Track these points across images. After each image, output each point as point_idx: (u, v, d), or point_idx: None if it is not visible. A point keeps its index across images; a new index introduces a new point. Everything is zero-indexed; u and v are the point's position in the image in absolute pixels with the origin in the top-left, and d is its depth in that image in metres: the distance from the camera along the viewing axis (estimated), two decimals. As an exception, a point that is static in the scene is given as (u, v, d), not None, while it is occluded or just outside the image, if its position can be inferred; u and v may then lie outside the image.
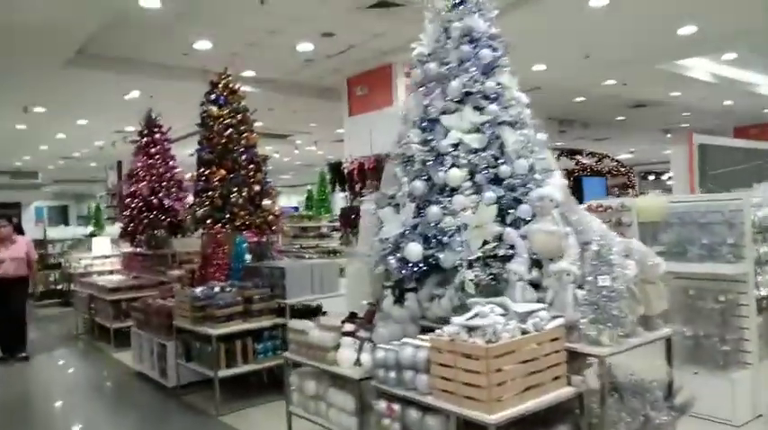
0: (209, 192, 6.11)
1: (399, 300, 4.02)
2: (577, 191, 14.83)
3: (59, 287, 13.37)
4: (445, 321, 3.59)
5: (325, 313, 5.71)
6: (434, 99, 3.73)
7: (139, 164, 8.42)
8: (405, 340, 3.12)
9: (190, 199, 9.72)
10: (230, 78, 6.42)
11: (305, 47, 9.35)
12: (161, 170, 8.44)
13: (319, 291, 5.45)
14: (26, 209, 31.16)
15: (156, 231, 8.29)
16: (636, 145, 23.33)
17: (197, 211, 6.18)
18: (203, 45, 8.96)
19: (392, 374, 3.05)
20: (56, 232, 14.23)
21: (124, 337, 7.54)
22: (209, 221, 6.06)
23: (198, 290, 5.34)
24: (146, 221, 8.18)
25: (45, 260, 13.69)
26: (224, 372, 5.00)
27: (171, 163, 8.59)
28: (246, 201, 6.16)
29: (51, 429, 5.29)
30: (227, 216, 6.08)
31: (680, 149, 8.51)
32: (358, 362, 3.32)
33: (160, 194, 8.28)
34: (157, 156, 8.47)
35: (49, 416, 5.57)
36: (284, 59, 10.04)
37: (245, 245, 5.93)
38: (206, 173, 6.18)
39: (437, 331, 3.01)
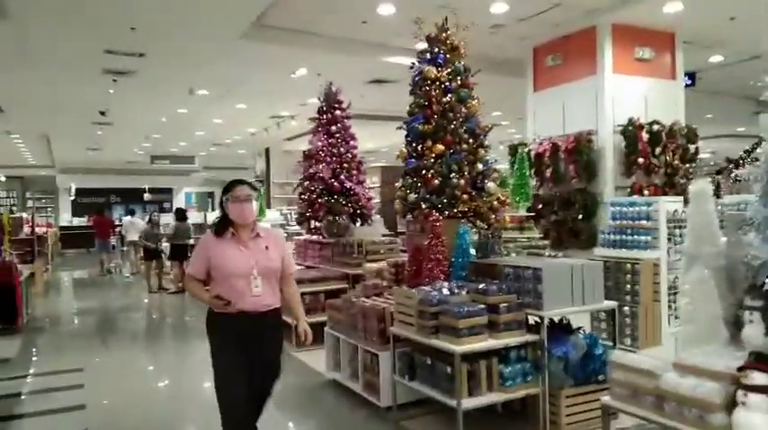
0: (424, 172, 5.01)
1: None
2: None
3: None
4: None
5: (580, 329, 4.46)
6: None
7: (320, 143, 7.58)
8: None
9: (368, 182, 8.89)
10: (451, 32, 5.24)
11: (499, 7, 8.08)
12: (342, 150, 7.55)
13: (580, 301, 4.16)
14: (177, 194, 32.84)
15: (336, 218, 7.42)
16: None
17: (408, 194, 5.11)
18: (387, 9, 8.00)
19: None
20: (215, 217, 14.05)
21: (305, 335, 6.74)
22: (424, 206, 4.97)
23: (427, 291, 4.27)
24: (326, 206, 7.33)
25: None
26: (468, 402, 3.87)
27: (351, 142, 7.67)
28: (468, 183, 5.00)
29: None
30: (445, 201, 4.96)
31: None
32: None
33: (341, 177, 7.40)
34: (338, 135, 7.59)
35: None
36: (470, 26, 8.87)
37: (469, 236, 4.77)
38: (419, 148, 5.09)
39: None
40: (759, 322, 2.71)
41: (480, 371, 3.96)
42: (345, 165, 7.56)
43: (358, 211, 7.57)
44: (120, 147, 20.74)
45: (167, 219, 14.91)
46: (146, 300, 11.65)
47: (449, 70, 5.10)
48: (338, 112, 7.70)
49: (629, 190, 8.19)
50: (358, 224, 7.68)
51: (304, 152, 8.01)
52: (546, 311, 4.00)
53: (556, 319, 4.44)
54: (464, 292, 4.27)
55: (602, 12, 8.31)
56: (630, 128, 8.26)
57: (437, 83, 5.06)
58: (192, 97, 12.68)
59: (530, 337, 4.05)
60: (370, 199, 7.81)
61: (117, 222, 21.12)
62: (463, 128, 5.05)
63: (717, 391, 2.26)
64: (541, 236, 7.32)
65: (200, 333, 8.81)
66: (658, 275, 5.58)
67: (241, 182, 3.51)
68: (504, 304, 4.03)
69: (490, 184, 5.08)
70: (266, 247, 3.45)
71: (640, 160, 8.14)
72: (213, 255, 3.37)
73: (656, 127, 8.30)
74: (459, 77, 5.14)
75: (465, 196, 4.94)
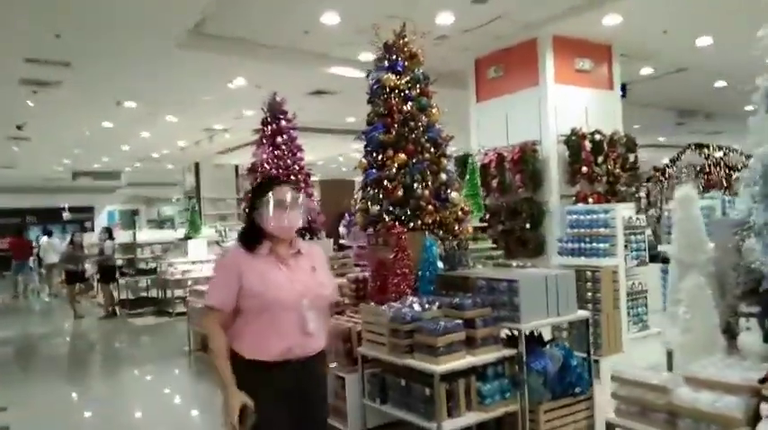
0: (386, 183, 4.81)
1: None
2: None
3: (152, 294, 12.48)
4: None
5: (554, 340, 4.36)
6: None
7: (264, 155, 7.24)
8: None
9: (316, 195, 8.59)
10: (408, 39, 5.09)
11: (446, 18, 8.04)
12: (288, 162, 7.24)
13: (554, 312, 4.06)
14: (99, 213, 31.18)
15: (286, 233, 7.08)
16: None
17: (369, 207, 4.89)
18: (331, 19, 7.79)
19: None
20: (146, 235, 13.38)
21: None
22: (387, 219, 4.76)
23: (398, 307, 4.05)
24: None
25: (135, 265, 12.86)
26: (448, 424, 3.67)
27: (299, 154, 7.38)
28: (432, 194, 4.84)
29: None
30: (408, 212, 4.78)
31: None
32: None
33: (289, 190, 7.08)
34: (284, 147, 7.28)
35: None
36: (417, 37, 8.79)
37: (435, 248, 4.60)
38: (380, 158, 4.89)
39: None
40: (756, 329, 2.67)
41: (459, 391, 3.76)
42: (293, 178, 7.24)
43: (307, 226, 7.26)
44: (38, 164, 19.41)
45: (91, 239, 14.05)
46: (70, 327, 10.82)
47: (408, 78, 4.94)
48: (284, 123, 7.39)
49: (573, 198, 8.32)
50: (307, 239, 7.36)
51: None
52: (524, 324, 3.87)
53: (528, 332, 4.33)
54: (435, 307, 4.09)
55: (543, 24, 8.43)
56: (574, 137, 8.39)
57: (396, 91, 4.89)
58: (119, 110, 12.00)
59: (508, 352, 3.91)
60: (319, 213, 7.53)
61: (34, 244, 19.86)
62: (425, 137, 4.90)
63: (738, 405, 2.16)
64: (493, 246, 7.26)
65: (134, 361, 8.24)
66: (617, 282, 5.61)
67: (279, 181, 2.76)
68: (481, 318, 3.87)
69: (454, 194, 4.95)
70: (312, 268, 2.68)
71: (584, 169, 8.28)
72: (247, 277, 2.54)
73: (597, 136, 8.48)
74: (418, 85, 4.99)
75: (430, 207, 4.77)
